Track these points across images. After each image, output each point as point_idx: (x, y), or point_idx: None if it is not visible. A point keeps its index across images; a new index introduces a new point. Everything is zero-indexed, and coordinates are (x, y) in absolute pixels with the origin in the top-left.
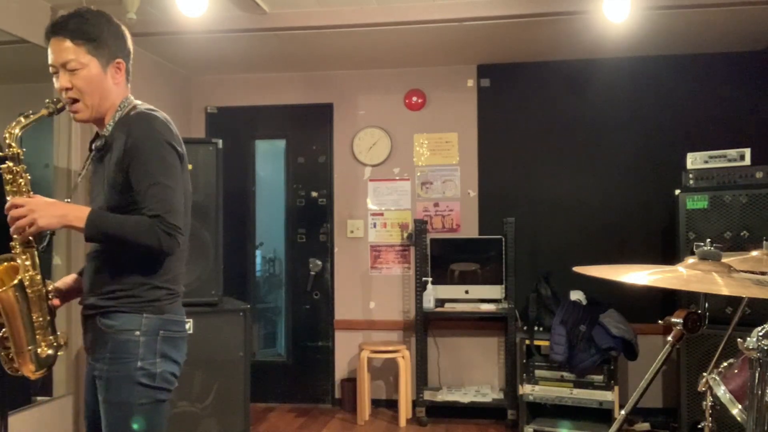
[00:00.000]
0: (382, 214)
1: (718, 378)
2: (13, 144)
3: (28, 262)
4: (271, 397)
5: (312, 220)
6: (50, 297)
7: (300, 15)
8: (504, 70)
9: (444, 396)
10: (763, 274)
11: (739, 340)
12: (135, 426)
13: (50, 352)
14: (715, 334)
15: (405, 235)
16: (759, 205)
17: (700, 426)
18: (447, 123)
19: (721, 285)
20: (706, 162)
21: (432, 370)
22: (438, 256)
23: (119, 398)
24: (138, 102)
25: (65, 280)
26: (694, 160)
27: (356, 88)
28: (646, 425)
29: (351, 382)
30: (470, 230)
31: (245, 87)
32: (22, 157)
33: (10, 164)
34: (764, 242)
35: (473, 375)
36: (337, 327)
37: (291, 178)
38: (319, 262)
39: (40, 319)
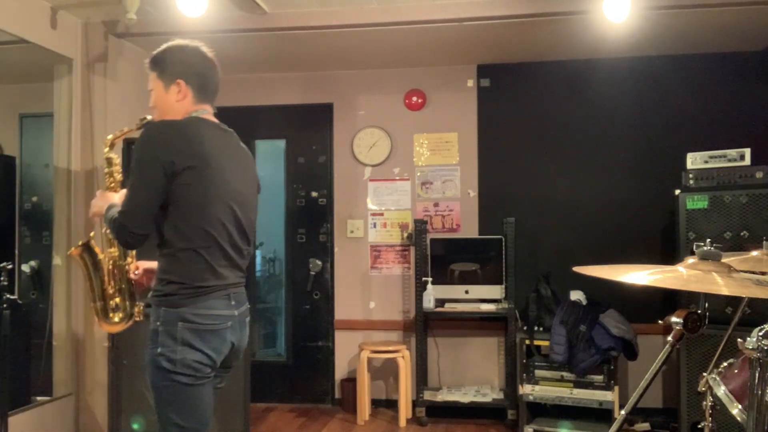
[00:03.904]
0: (382, 214)
1: (718, 378)
2: (105, 151)
3: (113, 246)
4: (271, 397)
5: (312, 220)
6: (128, 272)
7: (300, 15)
8: (504, 70)
9: (444, 396)
10: (763, 274)
11: (739, 340)
12: (167, 408)
13: (118, 315)
14: (715, 334)
15: (405, 235)
16: (759, 205)
17: (700, 426)
18: (447, 123)
19: (721, 285)
20: (706, 162)
21: (432, 370)
22: (438, 256)
23: (150, 381)
24: (195, 116)
25: None
26: (694, 160)
27: (356, 88)
28: (646, 425)
29: (351, 382)
30: (470, 230)
31: (245, 87)
32: (116, 162)
33: (105, 165)
34: (764, 242)
35: (473, 375)
36: (337, 327)
37: (291, 178)
38: (319, 262)
39: (114, 285)
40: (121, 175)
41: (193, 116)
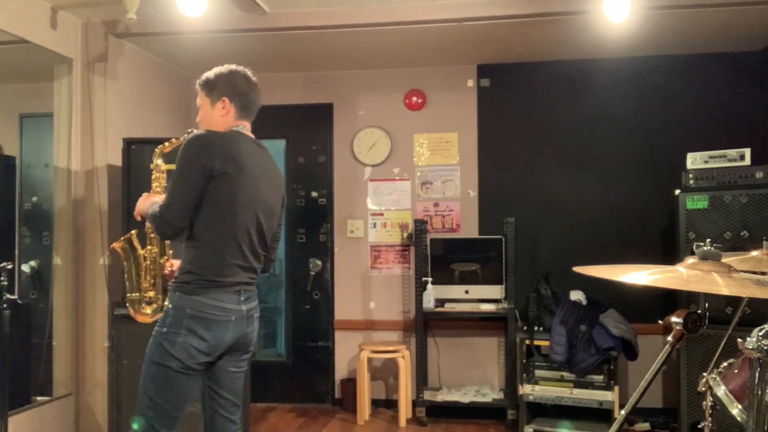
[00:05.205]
0: (382, 214)
1: (718, 378)
2: (154, 159)
3: (153, 245)
4: (271, 397)
5: (312, 220)
6: (163, 268)
7: (300, 15)
8: (504, 70)
9: (444, 396)
10: (763, 274)
11: (739, 340)
12: (150, 381)
13: (152, 307)
14: (715, 334)
15: (405, 235)
16: (759, 205)
17: (700, 426)
18: (447, 123)
19: (721, 285)
20: (706, 162)
21: (432, 370)
22: (438, 256)
23: (148, 350)
24: (236, 130)
25: None
26: (694, 160)
27: (356, 88)
28: (646, 425)
29: (351, 382)
30: (470, 230)
31: None
32: (163, 169)
33: (153, 171)
34: (764, 242)
35: (473, 375)
36: (337, 327)
37: (291, 178)
38: (319, 262)
39: (149, 279)
40: (166, 181)
41: (233, 130)
